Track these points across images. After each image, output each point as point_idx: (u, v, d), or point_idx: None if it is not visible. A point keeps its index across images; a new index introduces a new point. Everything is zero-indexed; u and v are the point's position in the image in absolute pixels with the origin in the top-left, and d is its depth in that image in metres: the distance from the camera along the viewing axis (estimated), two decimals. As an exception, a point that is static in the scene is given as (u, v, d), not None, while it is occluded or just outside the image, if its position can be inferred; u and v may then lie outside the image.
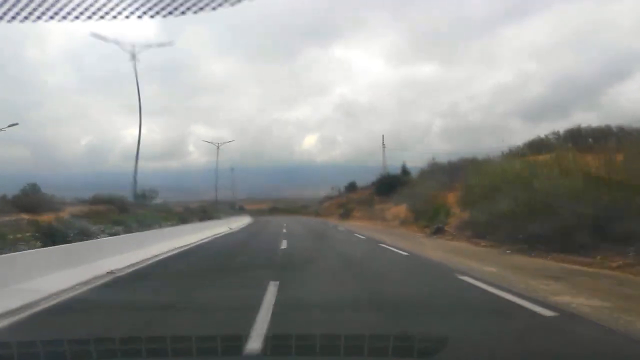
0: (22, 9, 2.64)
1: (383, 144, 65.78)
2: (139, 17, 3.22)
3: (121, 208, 33.69)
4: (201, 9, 3.34)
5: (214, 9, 3.38)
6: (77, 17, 2.87)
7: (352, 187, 78.47)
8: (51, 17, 2.77)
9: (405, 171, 53.34)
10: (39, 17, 2.73)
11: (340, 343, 3.95)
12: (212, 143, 57.24)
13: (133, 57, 27.17)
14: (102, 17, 3.10)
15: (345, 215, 54.07)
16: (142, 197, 50.19)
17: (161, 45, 29.17)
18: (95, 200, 38.44)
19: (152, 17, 3.47)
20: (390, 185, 45.77)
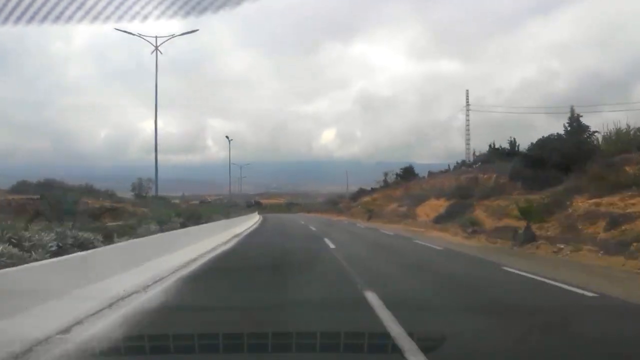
0: (52, 11, 2.59)
1: (467, 101, 53.08)
2: (171, 17, 3.19)
3: (55, 205, 19.82)
4: (205, 9, 3.36)
5: (214, 11, 3.38)
6: (107, 19, 2.83)
7: (409, 173, 53.52)
8: (82, 19, 2.72)
9: (582, 128, 23.05)
10: (69, 19, 2.68)
11: (340, 341, 4.04)
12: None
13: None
14: (132, 18, 3.07)
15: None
16: (139, 189, 43.64)
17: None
18: (20, 189, 25.89)
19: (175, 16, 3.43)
20: (565, 157, 20.59)
